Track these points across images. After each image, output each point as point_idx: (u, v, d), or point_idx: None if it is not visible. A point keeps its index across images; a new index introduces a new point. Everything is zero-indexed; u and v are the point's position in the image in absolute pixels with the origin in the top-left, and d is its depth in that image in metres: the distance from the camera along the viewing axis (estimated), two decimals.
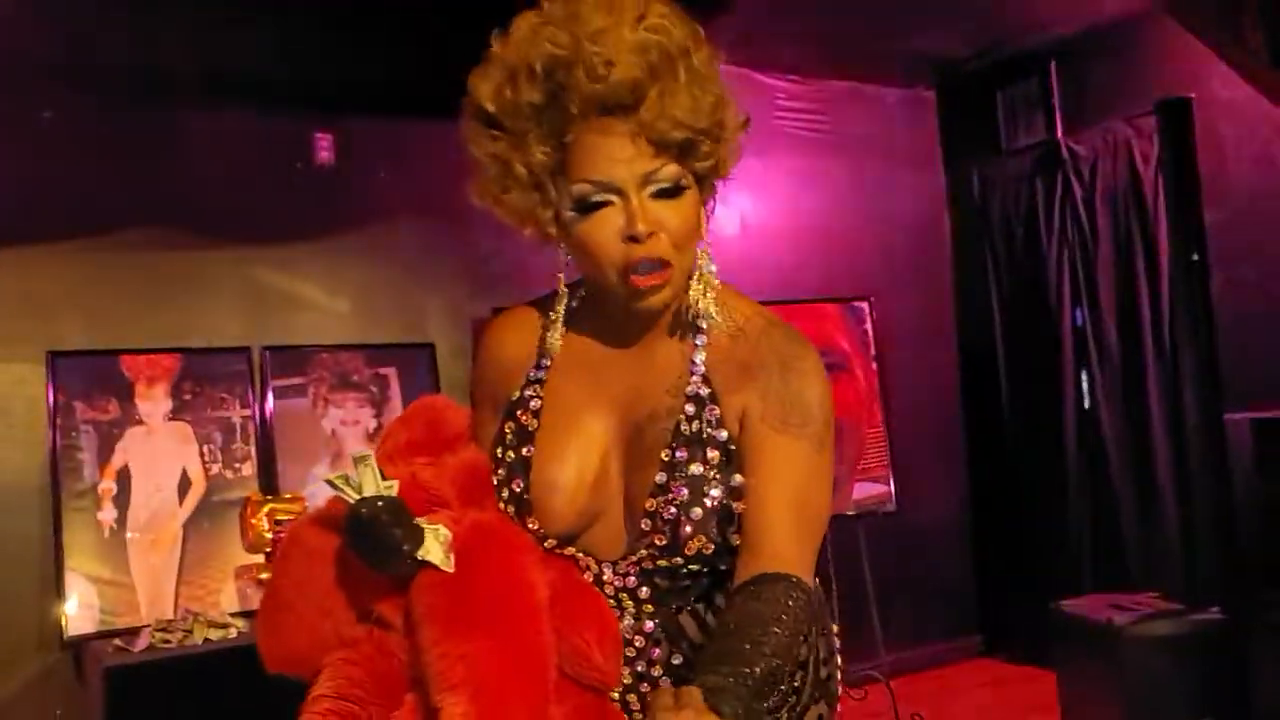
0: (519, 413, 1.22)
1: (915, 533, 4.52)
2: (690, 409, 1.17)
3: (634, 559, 1.18)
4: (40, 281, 3.26)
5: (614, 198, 1.10)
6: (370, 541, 1.05)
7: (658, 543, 1.15)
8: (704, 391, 1.18)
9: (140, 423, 3.31)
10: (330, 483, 1.07)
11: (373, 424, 3.64)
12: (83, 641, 3.08)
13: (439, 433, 1.26)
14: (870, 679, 3.94)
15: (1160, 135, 3.50)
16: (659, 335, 1.21)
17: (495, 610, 1.08)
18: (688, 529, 1.13)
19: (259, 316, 3.58)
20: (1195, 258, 3.21)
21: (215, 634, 2.91)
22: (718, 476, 1.15)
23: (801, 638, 1.04)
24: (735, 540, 1.13)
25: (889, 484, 4.03)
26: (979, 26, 4.45)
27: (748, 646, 0.97)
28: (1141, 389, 4.16)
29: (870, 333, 4.20)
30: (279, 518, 3.31)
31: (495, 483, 1.22)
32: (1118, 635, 2.93)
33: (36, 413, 3.20)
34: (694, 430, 1.16)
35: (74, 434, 3.21)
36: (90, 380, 3.26)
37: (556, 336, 1.23)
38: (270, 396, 3.51)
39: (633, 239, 1.09)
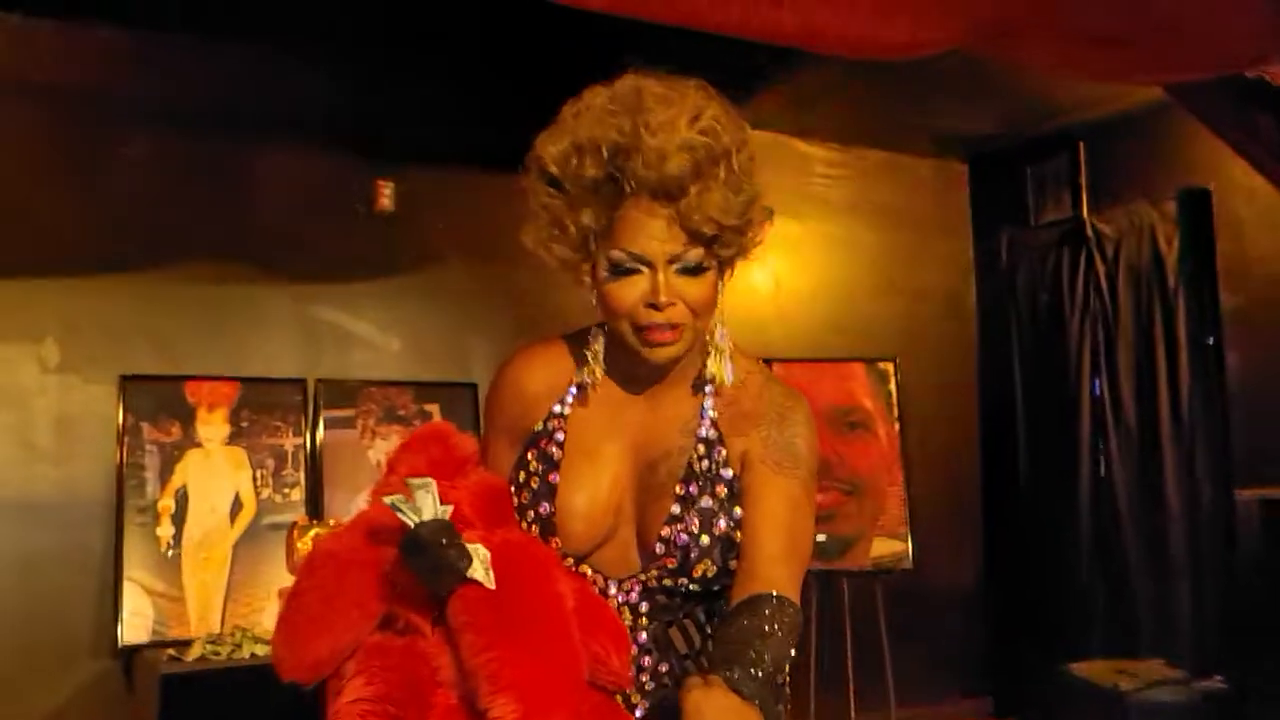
0: (543, 442, 1.37)
1: (931, 591, 4.63)
2: (701, 449, 1.34)
3: (640, 577, 1.34)
4: (116, 309, 3.48)
5: (644, 268, 1.26)
6: (428, 560, 1.17)
7: (669, 565, 1.31)
8: (712, 435, 1.34)
9: (200, 445, 3.50)
10: (394, 505, 1.18)
11: None
12: (135, 650, 3.25)
13: (451, 458, 1.35)
14: None
15: (1180, 223, 3.65)
16: (672, 383, 1.36)
17: (534, 620, 1.22)
18: (695, 554, 1.30)
19: (315, 350, 3.78)
20: (1211, 340, 3.34)
21: (261, 650, 3.06)
22: (723, 510, 1.32)
23: (791, 649, 1.20)
24: (733, 565, 1.30)
25: (907, 541, 4.16)
26: (1012, 106, 4.63)
27: (751, 654, 1.14)
28: (1156, 462, 4.27)
29: (894, 394, 4.35)
30: None
31: (518, 504, 1.35)
32: (1123, 701, 3.03)
33: (107, 432, 3.40)
34: (704, 469, 1.33)
35: (139, 453, 3.41)
36: (157, 404, 3.47)
37: (597, 374, 1.38)
38: (321, 426, 3.70)
39: (653, 306, 1.25)
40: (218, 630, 3.30)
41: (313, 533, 3.47)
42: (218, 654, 3.01)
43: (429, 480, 1.18)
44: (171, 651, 3.07)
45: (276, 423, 3.64)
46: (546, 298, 4.16)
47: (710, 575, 1.31)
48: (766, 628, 1.17)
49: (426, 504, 1.16)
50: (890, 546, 4.16)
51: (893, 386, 4.36)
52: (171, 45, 3.56)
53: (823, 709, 4.13)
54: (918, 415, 4.54)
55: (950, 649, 4.81)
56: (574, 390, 1.39)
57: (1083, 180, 4.86)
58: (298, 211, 3.77)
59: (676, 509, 1.31)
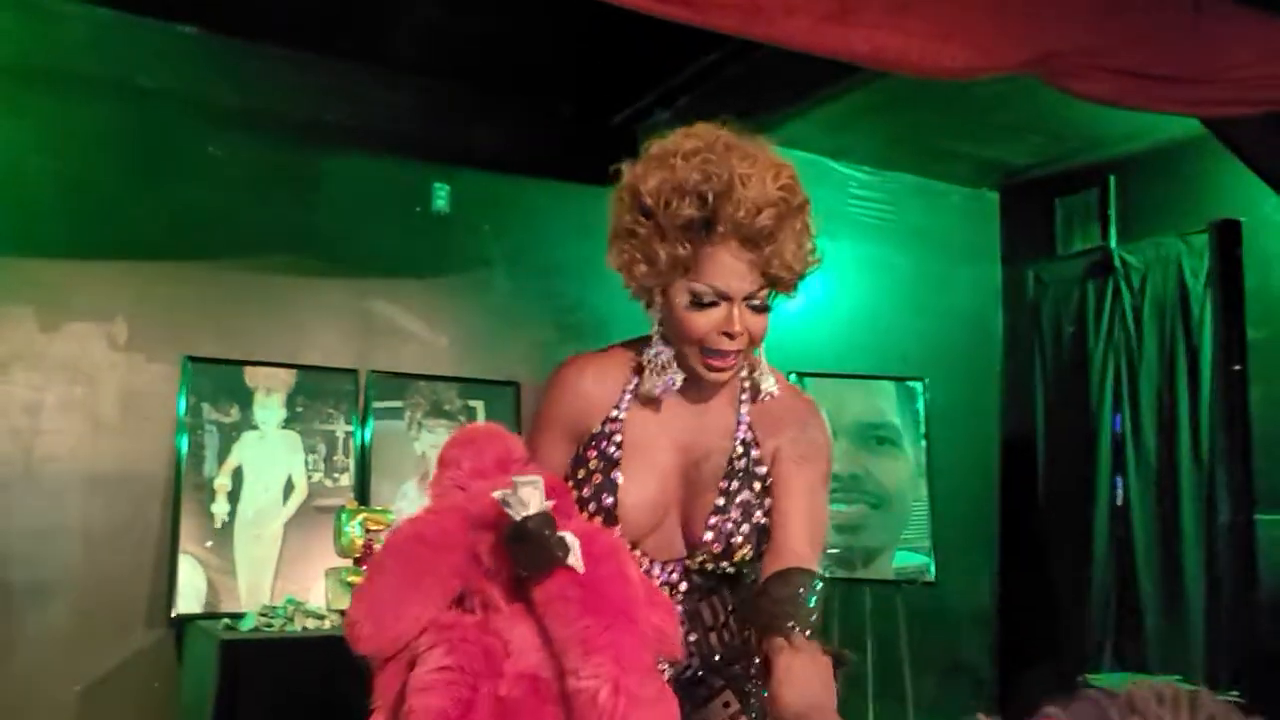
0: (602, 443, 1.53)
1: (950, 606, 4.74)
2: (739, 450, 1.53)
3: (685, 561, 1.54)
4: (184, 294, 3.63)
5: (722, 302, 1.43)
6: (532, 548, 1.31)
7: (714, 550, 1.52)
8: (748, 438, 1.54)
9: (256, 428, 3.65)
10: (503, 500, 1.32)
11: None
12: (187, 620, 3.38)
13: (510, 458, 1.49)
14: None
15: (1211, 253, 3.78)
16: (717, 398, 1.56)
17: (615, 597, 1.36)
18: (737, 541, 1.51)
19: (368, 343, 3.93)
20: (1237, 369, 3.47)
21: (312, 623, 3.20)
22: (760, 502, 1.52)
23: (819, 613, 1.40)
24: (764, 550, 1.51)
25: (929, 556, 4.27)
26: (1044, 138, 4.77)
27: (799, 616, 1.37)
28: (1174, 490, 4.36)
29: (922, 412, 4.47)
30: (370, 526, 3.63)
31: (579, 497, 1.52)
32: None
33: (169, 410, 3.55)
34: (742, 466, 1.53)
35: (199, 432, 3.56)
36: (217, 386, 3.62)
37: (677, 381, 1.53)
38: (371, 416, 3.84)
39: (726, 334, 1.44)
40: (265, 604, 3.43)
41: (360, 517, 3.62)
42: (271, 625, 3.14)
43: (537, 479, 1.33)
44: (226, 621, 3.20)
45: (329, 410, 3.78)
46: (586, 304, 4.33)
47: (747, 559, 1.52)
48: (801, 591, 1.39)
49: (534, 499, 1.30)
50: (913, 560, 4.28)
51: (920, 405, 4.49)
52: (248, 51, 3.74)
53: (842, 716, 4.22)
54: (942, 434, 4.66)
55: (966, 664, 4.90)
56: (629, 395, 1.55)
57: (1111, 213, 4.99)
58: (358, 210, 3.93)
59: (720, 501, 1.51)
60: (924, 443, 4.43)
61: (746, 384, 1.56)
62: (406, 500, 3.80)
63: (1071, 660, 4.43)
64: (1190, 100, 2.52)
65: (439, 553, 1.39)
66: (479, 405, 4.04)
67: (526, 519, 1.30)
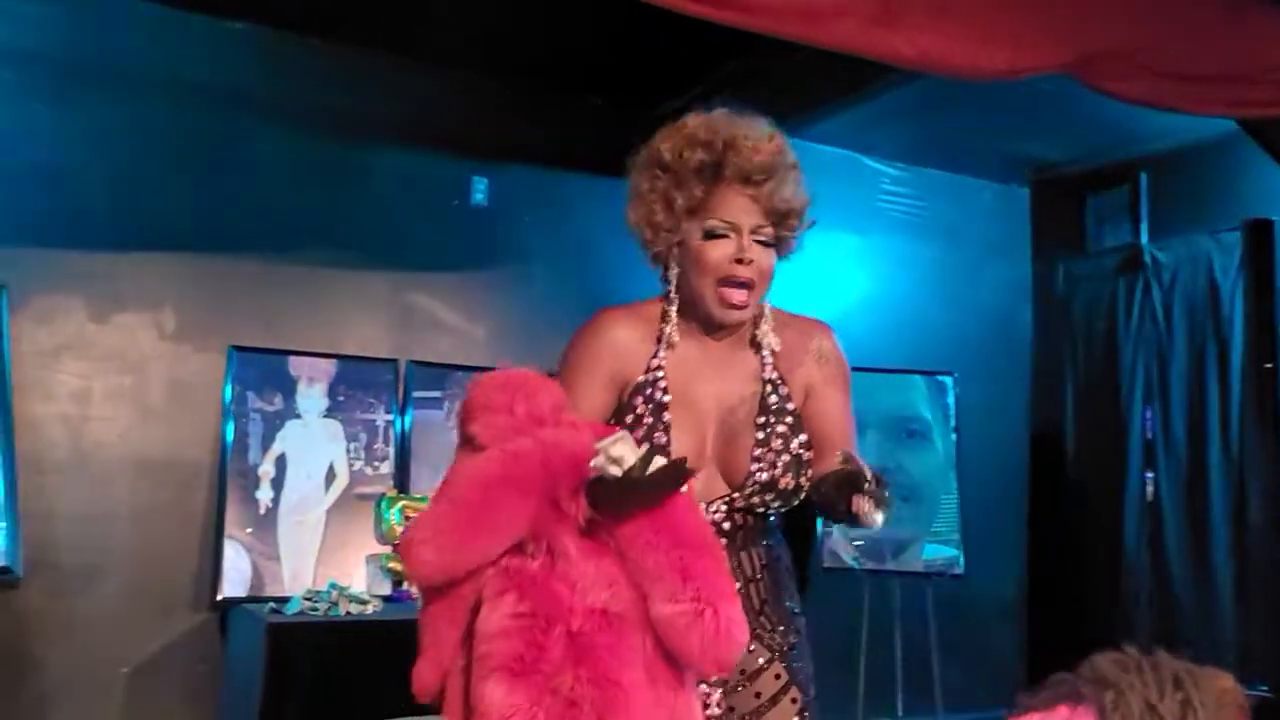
0: (649, 390, 1.66)
1: (978, 599, 4.77)
2: (769, 389, 1.69)
3: (730, 496, 1.65)
4: (230, 285, 3.72)
5: (732, 234, 1.63)
6: (647, 493, 1.38)
7: (760, 479, 1.64)
8: (775, 377, 1.70)
9: (299, 417, 3.73)
10: (602, 467, 1.37)
11: None
12: (231, 603, 3.47)
13: (561, 403, 1.55)
14: None
15: (1243, 251, 3.80)
16: (737, 341, 1.72)
17: (698, 530, 1.46)
18: (779, 470, 1.65)
19: (408, 334, 4.01)
20: (1269, 365, 3.49)
21: (355, 608, 3.27)
22: (794, 434, 1.68)
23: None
24: (804, 482, 1.66)
25: (959, 549, 4.31)
26: (1076, 135, 4.79)
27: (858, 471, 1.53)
28: (1204, 485, 4.38)
29: (952, 406, 4.51)
30: (409, 514, 3.70)
31: (637, 436, 1.60)
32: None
33: (215, 398, 3.64)
34: (774, 404, 1.69)
35: (244, 420, 3.64)
36: (262, 374, 3.70)
37: (675, 334, 1.69)
38: (411, 406, 3.91)
39: (739, 261, 1.62)
40: (307, 589, 3.51)
41: (400, 504, 3.70)
42: (316, 609, 3.22)
43: (623, 433, 1.42)
44: (272, 605, 3.28)
45: (370, 399, 3.86)
46: (622, 296, 4.36)
47: (789, 489, 1.66)
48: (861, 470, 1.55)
49: (628, 452, 1.37)
50: (942, 552, 4.32)
51: (950, 399, 4.52)
52: (295, 46, 3.81)
53: (870, 708, 4.28)
54: (971, 428, 4.69)
55: (994, 656, 4.94)
56: (663, 345, 1.68)
57: (1142, 210, 5.00)
58: (398, 203, 4.00)
59: (761, 436, 1.66)
60: (954, 436, 4.47)
61: (758, 332, 1.72)
62: None
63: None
64: (1227, 101, 2.55)
65: (519, 495, 1.43)
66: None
67: (633, 471, 1.36)
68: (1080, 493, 4.96)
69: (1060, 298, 5.23)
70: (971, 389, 4.75)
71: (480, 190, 4.16)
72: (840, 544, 4.26)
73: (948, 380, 4.53)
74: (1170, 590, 4.45)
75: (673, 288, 1.69)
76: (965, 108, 4.39)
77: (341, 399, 3.81)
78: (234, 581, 3.50)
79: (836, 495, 1.51)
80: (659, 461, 1.38)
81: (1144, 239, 4.93)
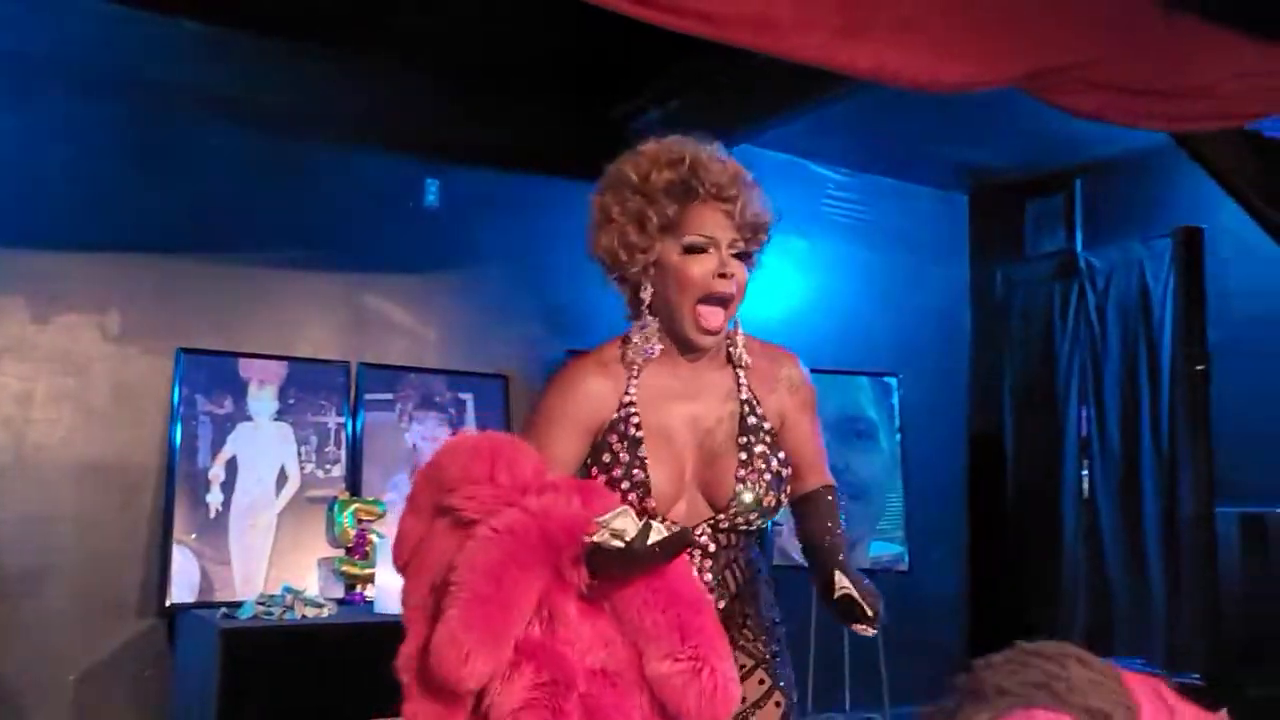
0: (621, 426, 1.67)
1: (923, 595, 4.89)
2: (746, 409, 1.72)
3: (714, 519, 1.68)
4: (178, 286, 3.66)
5: (712, 248, 1.66)
6: (645, 563, 1.41)
7: (744, 500, 1.68)
8: (750, 398, 1.73)
9: (250, 419, 3.69)
10: (601, 540, 1.40)
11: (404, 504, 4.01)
12: (180, 609, 3.42)
13: (541, 466, 1.55)
14: None
15: (1175, 258, 3.95)
16: (711, 360, 1.74)
17: (693, 588, 1.48)
18: (762, 489, 1.68)
19: (359, 336, 3.98)
20: (1200, 368, 3.64)
21: (311, 611, 3.25)
22: (773, 453, 1.71)
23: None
24: (784, 499, 1.72)
25: (904, 545, 4.41)
26: (1014, 143, 4.92)
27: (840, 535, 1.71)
28: (1137, 482, 4.55)
29: (897, 406, 4.61)
30: (361, 517, 3.69)
31: (609, 478, 1.64)
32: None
33: (163, 401, 3.58)
34: (752, 424, 1.72)
35: (193, 423, 3.59)
36: (211, 377, 3.65)
37: (643, 360, 1.71)
38: (362, 408, 3.89)
39: (720, 275, 1.66)
40: (259, 593, 3.47)
41: (352, 507, 3.69)
42: (270, 613, 3.19)
43: (625, 508, 1.45)
44: (224, 610, 3.24)
45: (321, 402, 3.82)
46: (576, 299, 4.40)
47: (772, 506, 1.70)
48: (837, 511, 1.75)
49: (629, 524, 1.40)
50: (888, 549, 4.42)
51: (895, 400, 4.63)
52: (248, 46, 3.76)
53: (819, 702, 4.36)
54: (915, 428, 4.80)
55: (939, 650, 5.06)
56: (634, 381, 1.69)
57: (1077, 217, 5.17)
58: (352, 205, 3.97)
59: (744, 456, 1.69)
60: (898, 436, 4.57)
61: (730, 351, 1.75)
62: (397, 492, 3.85)
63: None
64: (1168, 115, 2.66)
65: (526, 573, 1.42)
66: (468, 398, 4.10)
67: (634, 542, 1.38)
68: (1019, 490, 5.11)
69: (999, 301, 5.37)
70: (915, 390, 4.87)
71: (433, 192, 4.15)
72: (790, 542, 4.33)
73: (893, 381, 4.64)
74: (1106, 583, 4.61)
75: (645, 309, 1.70)
76: (908, 116, 4.49)
77: (293, 401, 3.77)
78: (183, 586, 3.45)
79: (836, 616, 1.60)
80: (658, 528, 1.40)
81: (1079, 245, 5.10)
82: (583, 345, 4.35)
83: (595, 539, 1.40)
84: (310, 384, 3.81)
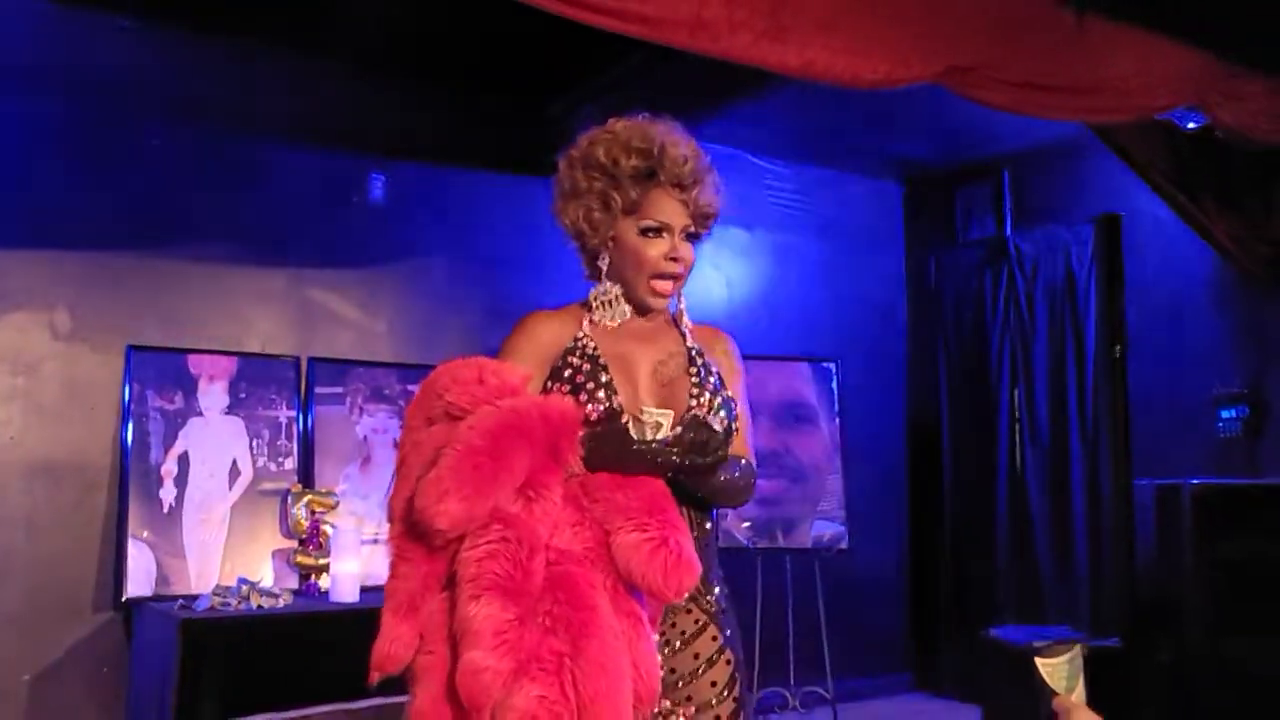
0: (578, 352, 1.78)
1: (863, 572, 5.07)
2: (694, 353, 1.88)
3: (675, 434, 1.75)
4: (127, 283, 3.69)
5: (665, 233, 1.81)
6: (698, 449, 1.60)
7: (697, 415, 1.75)
8: (695, 349, 1.88)
9: (201, 414, 3.73)
10: (649, 411, 1.64)
11: (399, 433, 4.08)
12: (137, 603, 3.46)
13: (519, 376, 1.65)
14: (820, 698, 4.46)
15: (1095, 243, 4.14)
16: (659, 325, 1.89)
17: (664, 488, 1.63)
18: (713, 410, 1.80)
19: (308, 330, 4.04)
20: (1118, 349, 3.83)
21: (267, 601, 3.31)
22: (721, 386, 1.85)
23: (750, 492, 1.83)
24: (732, 427, 1.80)
25: (844, 525, 4.57)
26: (944, 135, 5.10)
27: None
28: (1065, 459, 4.76)
29: (836, 391, 4.77)
30: (314, 508, 3.75)
31: (579, 381, 1.74)
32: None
33: (113, 398, 3.61)
34: (701, 363, 1.86)
35: (145, 419, 3.62)
36: (161, 373, 3.68)
37: (601, 317, 1.83)
38: (313, 402, 3.95)
39: (672, 259, 1.81)
40: (214, 586, 3.52)
41: (305, 499, 3.74)
42: (227, 604, 3.24)
43: (668, 410, 1.66)
44: (181, 602, 3.29)
45: (272, 396, 3.88)
46: (520, 290, 4.49)
47: (724, 427, 1.76)
48: (744, 476, 1.81)
49: (666, 424, 1.64)
50: (829, 529, 4.58)
51: (834, 384, 4.78)
52: (188, 44, 3.80)
53: (764, 678, 4.51)
54: (855, 411, 4.97)
55: (879, 625, 5.25)
56: (586, 325, 1.83)
57: (1006, 204, 5.36)
58: (297, 200, 4.02)
59: (695, 379, 1.83)
60: (838, 420, 4.73)
61: (674, 316, 1.91)
62: (350, 483, 3.92)
63: (977, 617, 4.79)
64: (1076, 108, 2.83)
65: (525, 442, 1.50)
66: (416, 389, 4.17)
67: (686, 430, 1.62)
68: (955, 470, 5.30)
69: (933, 287, 5.56)
70: (854, 374, 5.03)
71: (378, 187, 4.22)
72: (733, 524, 4.46)
73: (831, 367, 4.79)
74: (1035, 554, 4.82)
75: (603, 274, 1.85)
76: (842, 109, 4.64)
77: (243, 396, 3.82)
78: (138, 581, 3.49)
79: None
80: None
81: (1008, 230, 5.29)
82: None
83: (642, 415, 1.58)
84: (260, 378, 3.86)
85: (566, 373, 1.77)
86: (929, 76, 2.52)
